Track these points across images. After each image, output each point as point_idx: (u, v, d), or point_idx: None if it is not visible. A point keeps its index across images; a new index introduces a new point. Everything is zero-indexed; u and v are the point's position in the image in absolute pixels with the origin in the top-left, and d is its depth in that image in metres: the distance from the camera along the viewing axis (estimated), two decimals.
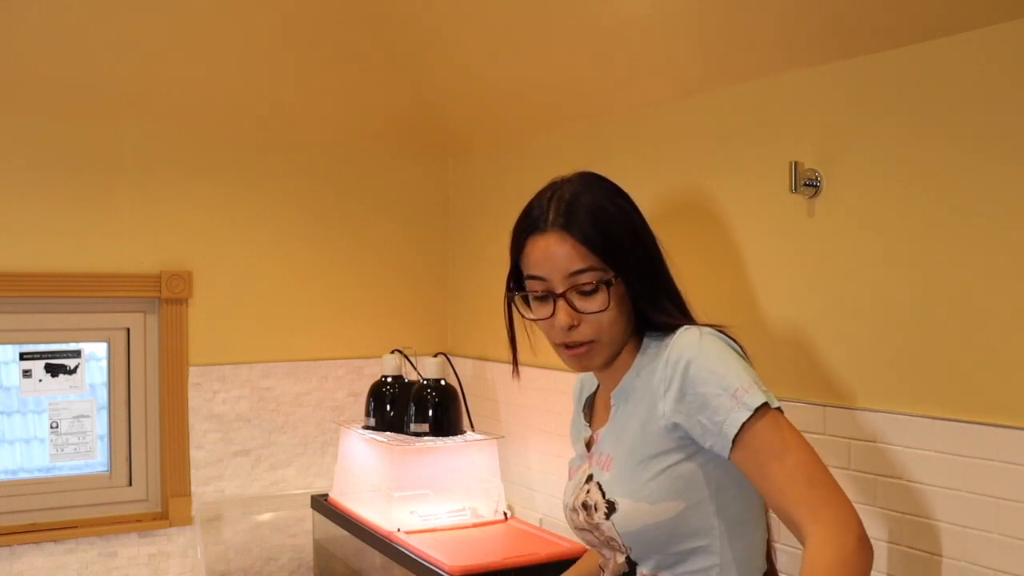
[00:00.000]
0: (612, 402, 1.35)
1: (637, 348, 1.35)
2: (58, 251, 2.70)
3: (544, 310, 1.32)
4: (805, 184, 1.82)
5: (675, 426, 1.24)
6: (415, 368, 3.02)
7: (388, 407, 2.84)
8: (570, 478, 1.46)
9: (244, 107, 2.82)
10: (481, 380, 3.02)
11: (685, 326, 1.29)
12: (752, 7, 1.81)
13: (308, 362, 3.05)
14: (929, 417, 1.64)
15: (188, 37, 2.50)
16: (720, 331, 1.30)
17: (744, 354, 1.30)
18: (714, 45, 1.98)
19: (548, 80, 2.45)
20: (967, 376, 1.58)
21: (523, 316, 1.37)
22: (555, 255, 1.29)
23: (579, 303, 1.29)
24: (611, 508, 1.29)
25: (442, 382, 2.80)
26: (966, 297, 1.58)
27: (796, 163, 1.81)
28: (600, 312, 1.28)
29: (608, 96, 2.36)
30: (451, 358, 3.00)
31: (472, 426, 2.93)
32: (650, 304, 1.31)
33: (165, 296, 2.81)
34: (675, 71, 2.11)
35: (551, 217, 1.31)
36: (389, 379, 2.88)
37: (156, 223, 2.82)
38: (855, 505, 1.76)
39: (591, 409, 1.46)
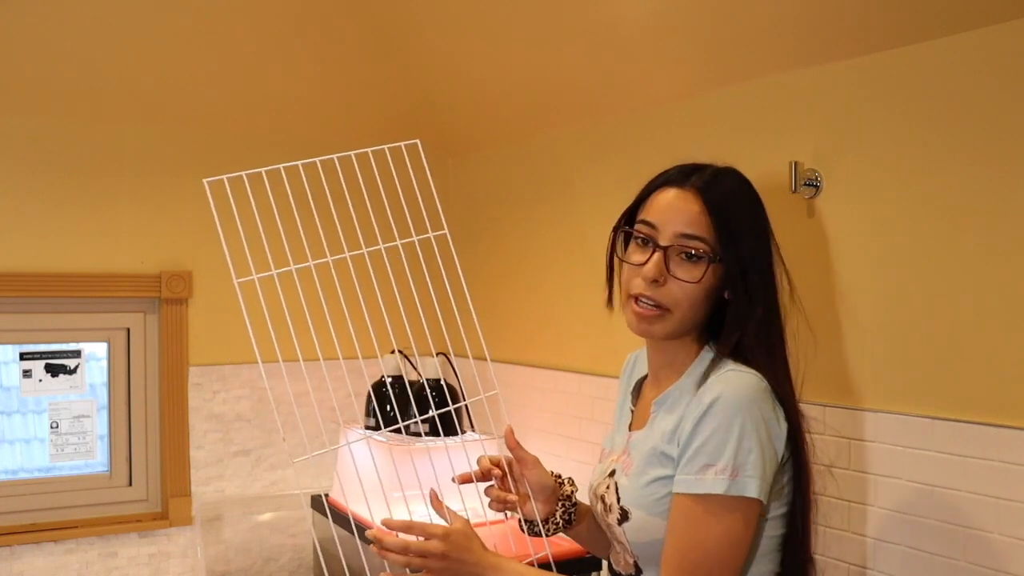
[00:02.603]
0: (652, 409, 1.34)
1: (694, 356, 1.32)
2: (58, 251, 2.69)
3: (639, 256, 1.29)
4: (805, 184, 1.82)
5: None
6: (415, 368, 3.01)
7: (388, 407, 2.84)
8: (600, 459, 1.46)
9: (244, 107, 2.81)
10: (481, 380, 3.01)
11: (749, 371, 1.24)
12: (752, 7, 1.81)
13: (308, 362, 3.05)
14: (929, 417, 1.64)
15: (188, 38, 2.50)
16: (785, 396, 1.26)
17: (786, 420, 1.25)
18: (714, 45, 1.98)
19: (548, 80, 2.45)
20: (967, 376, 1.58)
21: (617, 255, 1.35)
22: (679, 209, 1.27)
23: (675, 264, 1.26)
24: (624, 515, 1.29)
25: (442, 382, 2.80)
26: (966, 297, 1.58)
27: (796, 163, 1.81)
28: (689, 283, 1.25)
29: (608, 96, 2.36)
30: (451, 358, 3.00)
31: (472, 426, 2.93)
32: (734, 314, 1.27)
33: (165, 296, 2.81)
34: (675, 71, 2.11)
35: (694, 179, 1.29)
36: (389, 379, 2.88)
37: (156, 223, 2.82)
38: (856, 505, 1.77)
39: (639, 393, 1.45)
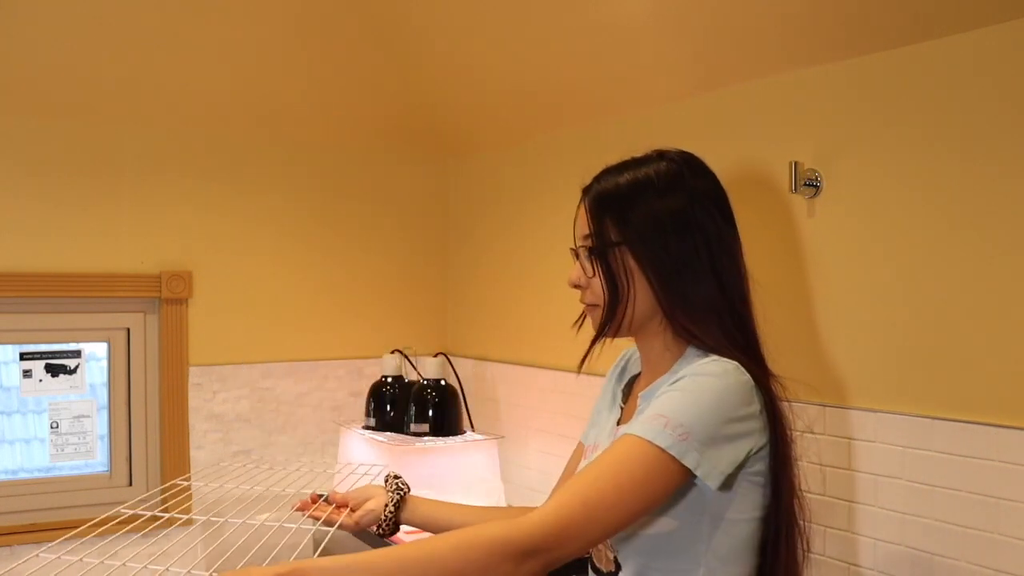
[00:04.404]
0: (639, 402, 1.35)
1: (680, 353, 1.32)
2: (58, 251, 2.69)
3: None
4: (805, 184, 1.82)
5: None
6: (415, 368, 3.02)
7: (388, 407, 2.84)
8: (585, 456, 1.45)
9: (244, 107, 2.81)
10: (481, 380, 3.02)
11: (729, 360, 1.24)
12: (752, 7, 1.81)
13: (308, 362, 3.05)
14: (929, 417, 1.64)
15: (188, 38, 2.50)
16: (771, 380, 1.27)
17: (761, 406, 1.24)
18: (714, 45, 1.98)
19: (548, 80, 2.45)
20: (967, 376, 1.58)
21: None
22: (579, 215, 1.37)
23: (585, 265, 1.35)
24: None
25: (442, 382, 2.80)
26: (966, 297, 1.58)
27: (796, 163, 1.81)
28: (590, 278, 1.34)
29: (608, 96, 2.36)
30: (451, 358, 3.00)
31: (472, 426, 2.93)
32: (666, 302, 1.29)
33: (165, 296, 2.81)
34: (675, 71, 2.11)
35: (588, 183, 1.37)
36: (389, 379, 2.88)
37: (156, 223, 2.82)
38: (856, 505, 1.77)
39: (629, 390, 1.46)
